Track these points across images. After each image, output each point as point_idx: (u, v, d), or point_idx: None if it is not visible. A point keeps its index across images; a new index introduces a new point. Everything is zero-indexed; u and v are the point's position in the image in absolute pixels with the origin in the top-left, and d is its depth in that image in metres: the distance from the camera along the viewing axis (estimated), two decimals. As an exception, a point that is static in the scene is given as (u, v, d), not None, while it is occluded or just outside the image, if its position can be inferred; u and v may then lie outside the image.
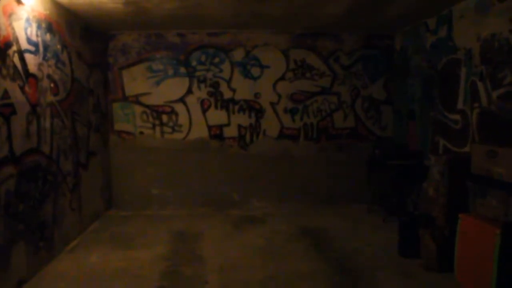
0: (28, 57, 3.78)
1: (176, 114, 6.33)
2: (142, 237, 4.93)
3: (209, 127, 6.39)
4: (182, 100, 6.32)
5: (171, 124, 6.34)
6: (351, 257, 4.21)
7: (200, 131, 6.36)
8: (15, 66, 3.53)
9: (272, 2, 4.64)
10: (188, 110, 6.33)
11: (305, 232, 5.05)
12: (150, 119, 6.31)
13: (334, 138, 6.53)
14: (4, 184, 3.32)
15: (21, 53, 3.65)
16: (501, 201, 3.18)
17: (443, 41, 4.95)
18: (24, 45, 3.70)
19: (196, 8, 4.82)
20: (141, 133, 6.33)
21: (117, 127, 6.30)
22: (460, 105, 4.60)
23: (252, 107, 6.40)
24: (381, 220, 5.46)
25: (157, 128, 6.34)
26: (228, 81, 6.35)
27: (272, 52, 6.35)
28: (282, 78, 6.40)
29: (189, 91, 6.32)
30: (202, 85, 6.32)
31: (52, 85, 4.31)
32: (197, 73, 6.30)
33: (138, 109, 6.29)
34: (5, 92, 3.36)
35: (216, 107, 6.36)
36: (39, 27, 4.02)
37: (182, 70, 6.29)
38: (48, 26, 4.23)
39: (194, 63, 6.29)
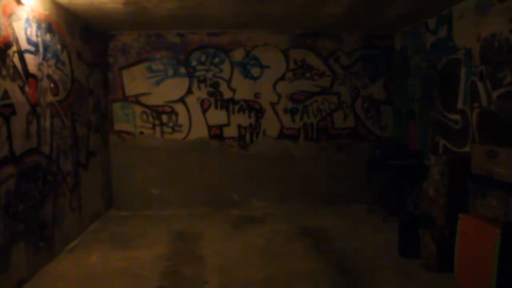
0: (28, 57, 3.78)
1: (176, 114, 6.33)
2: (142, 237, 4.93)
3: (209, 127, 6.39)
4: (182, 100, 6.32)
5: (171, 124, 6.34)
6: (351, 257, 4.21)
7: (200, 131, 6.36)
8: (15, 66, 3.53)
9: (272, 2, 4.64)
10: (188, 110, 6.33)
11: (305, 232, 5.05)
12: (150, 119, 6.32)
13: (334, 138, 6.53)
14: (4, 184, 3.32)
15: (21, 53, 3.65)
16: (501, 201, 3.18)
17: (443, 41, 4.95)
18: (24, 45, 3.70)
19: (196, 8, 4.82)
20: (141, 133, 6.33)
21: (117, 127, 6.30)
22: (460, 105, 4.60)
23: (252, 107, 6.40)
24: (381, 220, 5.46)
25: (157, 128, 6.34)
26: (228, 81, 6.35)
27: (272, 52, 6.35)
28: (282, 78, 6.40)
29: (189, 91, 6.32)
30: (202, 85, 6.32)
31: (52, 85, 4.31)
32: (197, 73, 6.31)
33: (138, 109, 6.29)
34: (5, 92, 3.36)
35: (216, 107, 6.36)
36: (39, 27, 4.02)
37: (182, 70, 6.29)
38: (48, 26, 4.23)
39: (194, 63, 6.29)
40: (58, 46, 4.50)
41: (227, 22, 5.67)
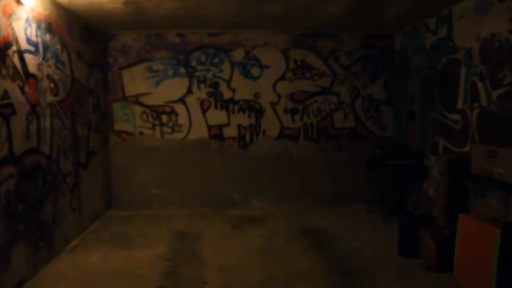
0: (28, 57, 3.78)
1: (176, 114, 6.33)
2: (142, 237, 4.93)
3: (209, 127, 6.39)
4: (182, 100, 6.32)
5: (171, 124, 6.34)
6: (351, 257, 4.20)
7: (200, 131, 6.36)
8: (15, 66, 3.53)
9: (272, 2, 4.64)
10: (188, 110, 6.33)
11: (305, 232, 5.05)
12: (150, 119, 6.32)
13: (334, 138, 6.53)
14: (4, 184, 3.32)
15: (20, 53, 3.65)
16: (501, 201, 3.17)
17: (443, 41, 4.95)
18: (23, 45, 3.70)
19: (196, 8, 4.82)
20: (141, 133, 6.33)
21: (117, 127, 6.30)
22: (460, 105, 4.60)
23: (252, 107, 6.40)
24: (381, 220, 5.46)
25: (157, 128, 6.34)
26: (228, 81, 6.34)
27: (272, 52, 6.36)
28: (282, 78, 6.40)
29: (189, 91, 6.32)
30: (202, 85, 6.32)
31: (52, 85, 4.31)
32: (197, 73, 6.31)
33: (138, 109, 6.29)
34: (5, 92, 3.36)
35: (216, 107, 6.36)
36: (38, 27, 4.02)
37: (182, 70, 6.29)
38: (47, 26, 4.23)
39: (194, 63, 6.29)
40: (58, 46, 4.50)
41: (227, 22, 5.67)
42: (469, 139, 4.39)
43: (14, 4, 3.57)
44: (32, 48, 3.86)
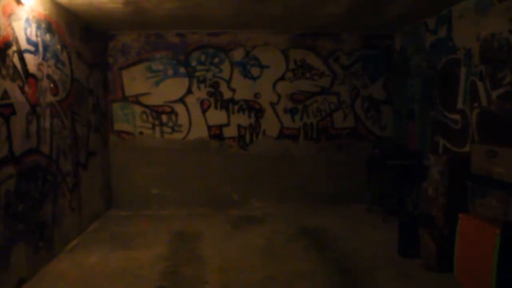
0: (28, 57, 3.78)
1: (176, 114, 6.33)
2: (142, 237, 4.93)
3: (209, 127, 6.39)
4: (181, 100, 6.32)
5: (170, 124, 6.34)
6: (351, 257, 4.20)
7: (199, 131, 6.36)
8: (14, 66, 3.53)
9: (272, 2, 4.64)
10: (187, 110, 6.33)
11: (305, 232, 5.05)
12: (150, 119, 6.32)
13: (334, 138, 6.53)
14: (4, 184, 3.32)
15: (20, 53, 3.65)
16: (501, 201, 3.17)
17: (442, 41, 4.95)
18: (23, 45, 3.70)
19: (196, 8, 4.82)
20: (141, 133, 6.33)
21: (116, 127, 6.30)
22: (459, 105, 4.60)
23: (252, 107, 6.40)
24: (381, 220, 5.46)
25: (157, 128, 6.34)
26: (228, 81, 6.35)
27: (272, 52, 6.36)
28: (282, 78, 6.40)
29: (189, 91, 6.32)
30: (202, 85, 6.32)
31: (51, 85, 4.31)
32: (197, 73, 6.31)
33: (137, 109, 6.29)
34: (5, 92, 3.36)
35: (215, 107, 6.37)
36: (38, 27, 4.02)
37: (182, 70, 6.29)
38: (47, 26, 4.23)
39: (193, 63, 6.29)
40: (58, 46, 4.50)
41: (227, 22, 5.67)
42: (469, 139, 4.39)
43: (14, 4, 3.57)
44: (32, 48, 3.86)
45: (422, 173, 4.81)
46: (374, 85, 6.52)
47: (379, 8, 4.93)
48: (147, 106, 6.29)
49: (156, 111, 6.30)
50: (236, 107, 6.38)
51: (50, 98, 4.25)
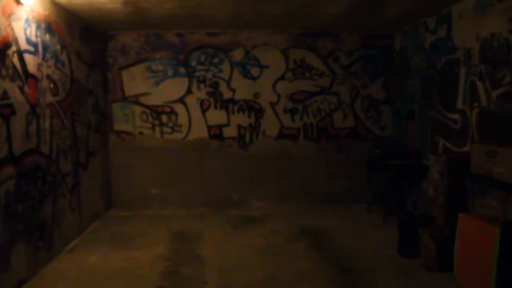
0: (28, 57, 3.78)
1: (176, 114, 6.33)
2: (142, 237, 4.93)
3: (209, 127, 6.39)
4: (181, 100, 6.32)
5: (170, 124, 6.34)
6: (351, 257, 4.21)
7: (199, 131, 6.36)
8: (14, 67, 3.53)
9: (272, 2, 4.64)
10: (187, 110, 6.33)
11: (305, 232, 5.05)
12: (150, 119, 6.31)
13: (334, 138, 6.53)
14: (4, 184, 3.31)
15: (20, 53, 3.65)
16: (501, 201, 3.17)
17: (442, 40, 4.95)
18: (23, 45, 3.70)
19: (196, 8, 4.82)
20: (141, 133, 6.33)
21: (116, 127, 6.30)
22: (459, 105, 4.60)
23: (252, 107, 6.40)
24: (381, 220, 5.46)
25: (157, 128, 6.34)
26: (228, 81, 6.34)
27: (271, 52, 6.36)
28: (281, 78, 6.40)
29: (189, 91, 6.32)
30: (202, 85, 6.32)
31: (51, 85, 4.30)
32: (197, 73, 6.30)
33: (137, 109, 6.29)
34: (5, 92, 3.35)
35: (215, 107, 6.36)
36: (38, 27, 4.02)
37: (182, 70, 6.29)
38: (47, 26, 4.23)
39: (193, 63, 6.29)
40: (58, 46, 4.50)
41: (226, 22, 5.67)
42: (469, 138, 4.39)
43: (14, 4, 3.56)
44: (31, 48, 3.86)
45: (422, 173, 4.81)
46: (374, 85, 6.52)
47: (379, 8, 4.93)
48: (147, 106, 6.29)
49: (156, 111, 6.30)
50: (236, 107, 6.38)
51: (49, 98, 4.25)
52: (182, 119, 6.34)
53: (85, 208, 5.15)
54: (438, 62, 5.06)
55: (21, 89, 3.63)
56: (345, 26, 6.00)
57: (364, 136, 6.55)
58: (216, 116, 6.37)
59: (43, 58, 4.11)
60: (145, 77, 6.24)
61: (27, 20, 3.78)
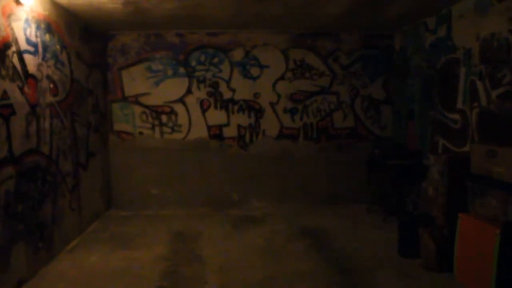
0: (27, 57, 3.78)
1: (176, 114, 6.33)
2: (142, 237, 4.93)
3: (209, 127, 6.39)
4: (181, 100, 6.32)
5: (170, 124, 6.34)
6: (351, 257, 4.21)
7: (199, 131, 6.36)
8: (14, 67, 3.53)
9: (272, 2, 4.64)
10: (187, 110, 6.33)
11: (305, 232, 5.05)
12: (150, 119, 6.31)
13: (334, 138, 6.53)
14: (4, 184, 3.31)
15: (20, 53, 3.65)
16: (500, 201, 3.18)
17: (442, 40, 4.95)
18: (23, 45, 3.70)
19: (196, 8, 4.82)
20: (141, 133, 6.33)
21: (116, 127, 6.30)
22: (459, 105, 4.60)
23: (252, 107, 6.40)
24: (381, 220, 5.46)
25: (157, 128, 6.34)
26: (228, 81, 6.34)
27: (271, 52, 6.36)
28: (281, 78, 6.40)
29: (189, 91, 6.32)
30: (202, 85, 6.32)
31: (51, 85, 4.30)
32: (197, 73, 6.30)
33: (137, 109, 6.29)
34: (5, 92, 3.35)
35: (215, 107, 6.36)
36: (38, 27, 4.02)
37: (182, 70, 6.29)
38: (47, 26, 4.23)
39: (193, 63, 6.29)
40: (58, 47, 4.50)
41: (226, 22, 5.67)
42: (469, 138, 4.39)
43: (14, 4, 3.56)
44: (31, 49, 3.86)
45: (422, 173, 4.81)
46: (374, 85, 6.52)
47: (379, 8, 4.93)
48: (146, 106, 6.29)
49: (155, 111, 6.30)
50: (236, 107, 6.38)
51: (49, 98, 4.25)
52: (182, 119, 6.34)
53: (85, 208, 5.15)
54: (438, 62, 5.06)
55: (21, 89, 3.63)
56: (345, 26, 6.00)
57: (364, 136, 6.55)
58: (216, 116, 6.37)
59: (43, 58, 4.11)
60: (145, 77, 6.24)
61: (27, 20, 3.78)
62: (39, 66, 4.01)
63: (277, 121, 6.45)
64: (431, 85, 5.25)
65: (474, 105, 4.30)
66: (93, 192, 5.58)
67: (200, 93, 6.33)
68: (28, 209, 3.71)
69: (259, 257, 4.24)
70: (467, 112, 4.44)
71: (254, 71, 6.36)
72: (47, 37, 4.21)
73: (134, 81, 6.25)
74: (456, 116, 4.66)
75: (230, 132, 6.41)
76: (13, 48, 3.53)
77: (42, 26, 4.12)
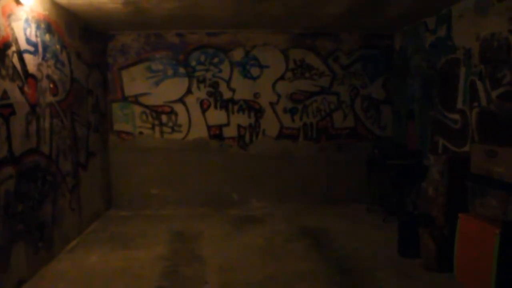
0: (27, 57, 3.78)
1: (176, 114, 6.33)
2: (142, 237, 4.93)
3: (209, 127, 6.39)
4: (181, 100, 6.32)
5: (170, 124, 6.34)
6: (351, 257, 4.20)
7: (199, 131, 6.36)
8: (14, 67, 3.53)
9: (272, 2, 4.64)
10: (187, 110, 6.33)
11: (305, 232, 5.05)
12: (150, 119, 6.31)
13: (334, 138, 6.53)
14: (4, 184, 3.31)
15: (20, 53, 3.64)
16: (501, 201, 3.18)
17: (442, 40, 4.95)
18: (23, 45, 3.70)
19: (196, 8, 4.82)
20: (141, 133, 6.33)
21: (116, 127, 6.30)
22: (459, 105, 4.60)
23: (252, 107, 6.40)
24: (381, 220, 5.46)
25: (157, 128, 6.34)
26: (228, 81, 6.34)
27: (271, 52, 6.36)
28: (281, 78, 6.40)
29: (189, 91, 6.32)
30: (202, 85, 6.32)
31: (51, 85, 4.30)
32: (197, 73, 6.30)
33: (137, 109, 6.29)
34: (4, 92, 3.35)
35: (215, 107, 6.36)
36: (38, 27, 4.02)
37: (182, 70, 6.29)
38: (47, 26, 4.23)
39: (193, 63, 6.29)
40: (58, 46, 4.50)
41: (226, 22, 5.67)
42: (469, 138, 4.39)
43: (14, 4, 3.56)
44: (31, 48, 3.86)
45: (422, 173, 4.81)
46: (374, 85, 6.52)
47: (379, 8, 4.93)
48: (146, 106, 6.29)
49: (155, 111, 6.30)
50: (236, 107, 6.38)
51: (49, 98, 4.25)
52: (182, 119, 6.34)
53: (85, 208, 5.15)
54: (438, 62, 5.06)
55: (21, 89, 3.63)
56: (345, 26, 6.00)
57: (364, 136, 6.55)
58: (216, 116, 6.37)
59: (43, 58, 4.11)
60: (145, 77, 6.24)
61: (27, 20, 3.78)
62: (39, 66, 4.01)
63: (277, 121, 6.45)
64: (431, 85, 5.25)
65: (474, 105, 4.30)
66: (93, 192, 5.58)
67: (200, 93, 6.33)
68: (28, 209, 3.71)
69: (259, 257, 4.24)
70: (467, 112, 4.44)
71: (254, 71, 6.36)
72: (47, 37, 4.21)
73: (134, 81, 6.25)
74: (456, 116, 4.66)
75: (230, 132, 6.41)
76: (13, 48, 3.53)
77: (42, 26, 4.12)
